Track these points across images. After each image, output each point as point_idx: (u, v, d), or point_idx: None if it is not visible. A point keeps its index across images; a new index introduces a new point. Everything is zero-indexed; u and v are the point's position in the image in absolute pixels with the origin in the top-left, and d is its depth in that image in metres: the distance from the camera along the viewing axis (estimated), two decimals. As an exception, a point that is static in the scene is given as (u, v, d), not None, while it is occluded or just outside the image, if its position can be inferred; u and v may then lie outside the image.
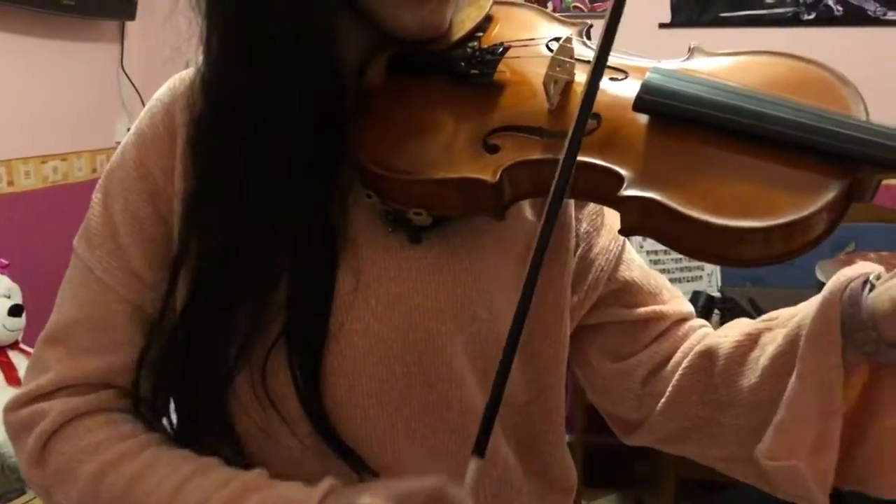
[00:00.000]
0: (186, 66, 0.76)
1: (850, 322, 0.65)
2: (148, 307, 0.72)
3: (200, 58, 0.73)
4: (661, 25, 2.63)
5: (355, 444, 0.69)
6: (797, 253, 0.61)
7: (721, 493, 2.10)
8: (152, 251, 0.71)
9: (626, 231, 0.63)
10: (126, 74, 2.76)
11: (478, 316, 0.71)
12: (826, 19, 2.58)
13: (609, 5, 0.62)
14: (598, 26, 0.70)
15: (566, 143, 0.61)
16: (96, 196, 0.73)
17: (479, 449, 0.61)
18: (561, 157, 0.61)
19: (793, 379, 0.67)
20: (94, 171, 2.69)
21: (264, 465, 0.69)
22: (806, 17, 2.59)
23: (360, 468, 0.69)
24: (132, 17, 2.67)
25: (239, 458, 0.71)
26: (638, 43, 0.70)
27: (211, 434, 0.71)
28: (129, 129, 3.16)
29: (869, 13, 2.56)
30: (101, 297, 0.71)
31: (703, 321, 0.83)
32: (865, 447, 0.69)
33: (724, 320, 2.28)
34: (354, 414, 0.69)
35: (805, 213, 0.58)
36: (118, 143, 2.82)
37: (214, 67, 0.70)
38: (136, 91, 2.77)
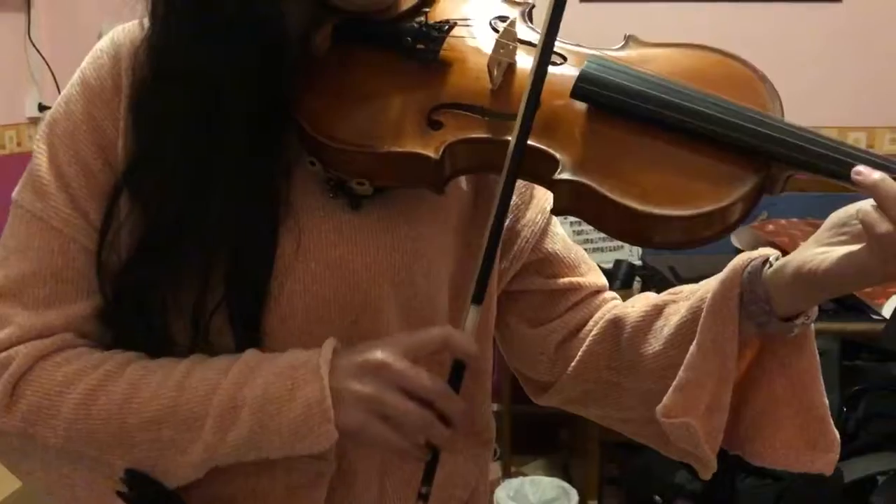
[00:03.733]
0: (99, 37, 0.74)
1: (748, 296, 0.71)
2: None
3: (115, 26, 0.72)
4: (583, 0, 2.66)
5: None
6: (715, 238, 0.67)
7: (640, 453, 2.18)
8: (105, 201, 0.71)
9: (557, 211, 0.68)
10: (34, 45, 2.64)
11: (414, 281, 0.74)
12: (740, -6, 2.65)
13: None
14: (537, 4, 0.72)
15: (516, 129, 0.65)
16: (40, 147, 0.72)
17: (478, 296, 0.66)
18: (512, 140, 0.65)
19: (693, 346, 0.72)
20: (2, 147, 2.58)
21: None
22: (720, -9, 2.65)
23: None
24: (39, -16, 2.55)
25: None
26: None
27: None
28: (40, 103, 2.97)
29: (779, -12, 2.65)
30: (60, 248, 0.70)
31: (615, 294, 0.88)
32: (747, 414, 0.76)
33: (645, 287, 2.35)
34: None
35: (723, 203, 0.64)
36: (29, 118, 2.73)
37: (161, 33, 0.70)
38: (46, 62, 2.65)
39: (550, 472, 2.59)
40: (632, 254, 2.55)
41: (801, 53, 2.60)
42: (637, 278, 2.40)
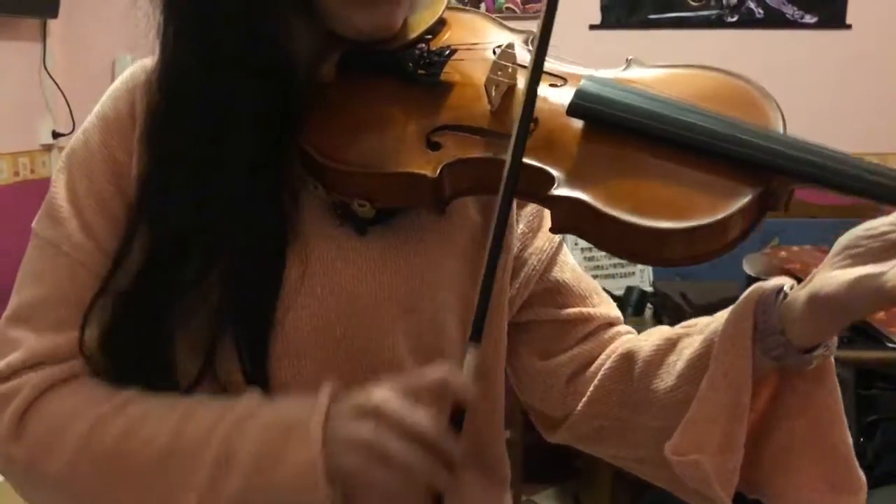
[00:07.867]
0: (113, 66, 0.76)
1: (762, 328, 0.68)
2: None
3: (132, 55, 0.73)
4: (592, 27, 2.68)
5: None
6: (716, 254, 0.65)
7: (653, 484, 2.14)
8: (118, 228, 0.72)
9: (555, 229, 0.67)
10: (49, 74, 2.68)
11: (420, 307, 0.73)
12: (748, 22, 2.67)
13: (543, 7, 0.66)
14: (533, 27, 0.72)
15: (510, 146, 0.64)
16: (58, 177, 0.74)
17: (476, 335, 0.64)
18: (507, 159, 0.64)
19: (705, 379, 0.70)
20: (16, 174, 2.60)
21: None
22: (729, 19, 2.67)
23: None
24: (55, 14, 2.59)
25: None
26: (568, 44, 0.73)
27: None
28: (53, 130, 3.01)
29: (787, 17, 2.67)
30: (69, 273, 0.71)
31: (629, 328, 0.85)
32: (765, 455, 0.72)
33: (656, 314, 2.34)
34: (299, 395, 0.70)
35: (720, 216, 0.63)
36: (43, 145, 2.75)
37: (170, 62, 0.71)
38: (60, 91, 2.68)
39: (562, 502, 2.56)
40: (643, 280, 2.53)
41: (811, 79, 2.61)
42: (648, 305, 2.39)
